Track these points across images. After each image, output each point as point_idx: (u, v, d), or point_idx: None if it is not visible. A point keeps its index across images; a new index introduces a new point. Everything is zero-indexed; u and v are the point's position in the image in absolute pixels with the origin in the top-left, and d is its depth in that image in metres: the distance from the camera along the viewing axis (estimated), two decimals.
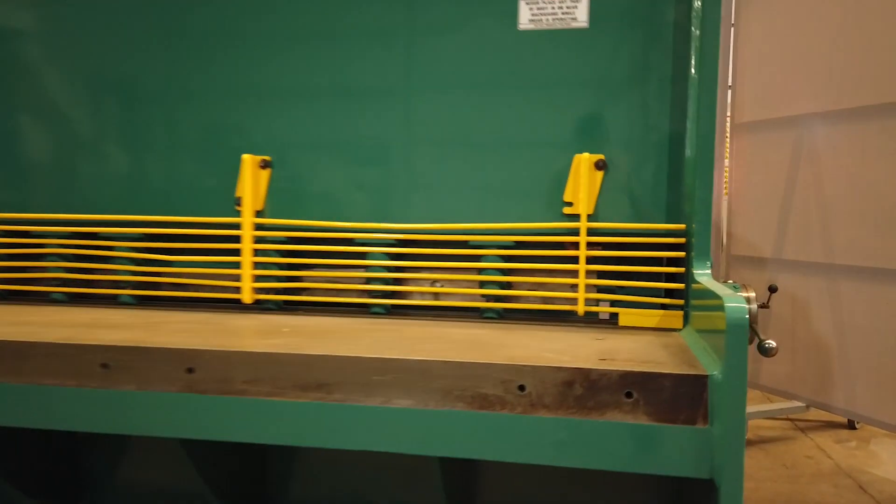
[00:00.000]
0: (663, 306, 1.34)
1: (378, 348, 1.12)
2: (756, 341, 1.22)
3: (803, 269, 2.38)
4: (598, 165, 1.35)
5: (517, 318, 1.45)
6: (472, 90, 1.41)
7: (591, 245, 1.36)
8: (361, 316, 1.46)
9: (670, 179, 1.34)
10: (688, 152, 1.30)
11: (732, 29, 2.71)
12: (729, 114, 2.82)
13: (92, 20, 1.56)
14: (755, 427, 3.05)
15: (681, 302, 1.33)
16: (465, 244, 1.44)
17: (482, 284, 1.44)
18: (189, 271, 1.52)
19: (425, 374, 1.06)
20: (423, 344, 1.17)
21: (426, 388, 1.06)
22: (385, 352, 1.09)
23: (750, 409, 2.96)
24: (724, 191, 2.82)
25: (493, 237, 1.41)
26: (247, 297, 1.46)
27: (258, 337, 1.24)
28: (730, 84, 2.78)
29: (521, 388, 1.03)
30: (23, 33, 1.60)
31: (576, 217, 1.35)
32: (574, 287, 1.35)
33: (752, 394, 3.03)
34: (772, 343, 1.22)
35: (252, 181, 1.46)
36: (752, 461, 2.78)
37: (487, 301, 1.44)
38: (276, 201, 1.48)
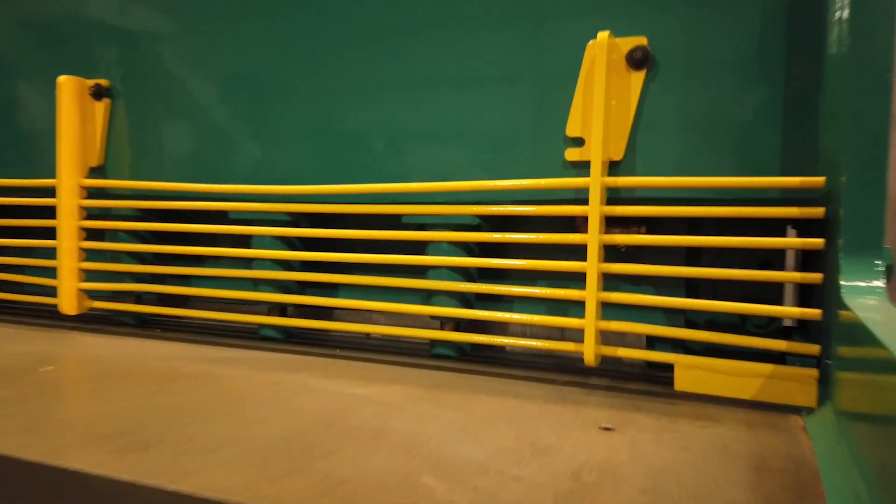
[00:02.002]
0: (771, 356, 0.63)
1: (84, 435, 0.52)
2: None
3: None
4: (635, 59, 0.66)
5: (491, 360, 0.80)
6: None
7: (615, 223, 0.67)
8: (241, 345, 0.87)
9: (788, 90, 0.63)
10: (832, 43, 0.59)
11: None
12: None
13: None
14: None
15: (814, 349, 0.61)
16: (398, 223, 0.81)
17: (428, 297, 0.80)
18: (12, 262, 1.01)
19: None
20: (215, 423, 0.55)
21: None
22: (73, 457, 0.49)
23: None
24: None
25: (449, 209, 0.76)
26: (66, 304, 0.91)
27: None
28: None
29: None
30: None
31: (585, 167, 0.67)
32: (580, 307, 0.67)
33: None
34: None
35: (77, 117, 0.91)
36: None
37: (442, 327, 0.80)
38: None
